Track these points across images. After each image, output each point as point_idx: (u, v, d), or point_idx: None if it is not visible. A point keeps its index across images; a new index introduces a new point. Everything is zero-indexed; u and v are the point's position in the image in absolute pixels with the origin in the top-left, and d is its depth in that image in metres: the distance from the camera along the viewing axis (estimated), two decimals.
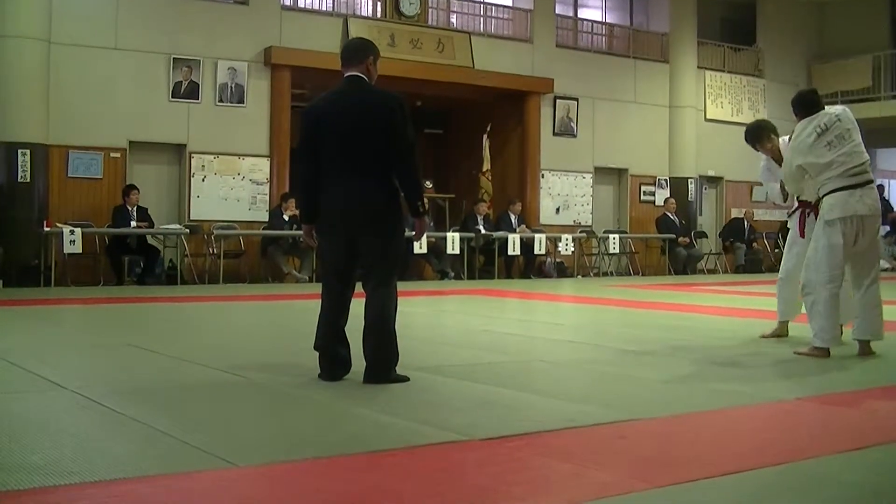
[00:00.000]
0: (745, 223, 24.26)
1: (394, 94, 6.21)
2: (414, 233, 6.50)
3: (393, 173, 6.04)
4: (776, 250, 24.99)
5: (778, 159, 8.57)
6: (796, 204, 8.63)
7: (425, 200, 6.33)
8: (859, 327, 7.69)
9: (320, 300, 6.23)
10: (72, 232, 15.29)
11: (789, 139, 8.06)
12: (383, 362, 6.02)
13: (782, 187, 8.43)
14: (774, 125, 9.02)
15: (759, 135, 8.81)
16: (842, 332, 7.73)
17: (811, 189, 8.06)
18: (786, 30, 26.79)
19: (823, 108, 7.72)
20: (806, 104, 7.81)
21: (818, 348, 7.56)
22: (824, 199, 7.55)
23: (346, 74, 6.25)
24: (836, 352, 7.62)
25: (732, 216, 24.92)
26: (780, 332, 8.93)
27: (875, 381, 6.68)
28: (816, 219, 8.07)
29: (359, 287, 6.19)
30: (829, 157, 7.45)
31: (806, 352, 7.64)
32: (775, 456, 4.33)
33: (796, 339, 8.56)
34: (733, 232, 24.23)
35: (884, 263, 24.51)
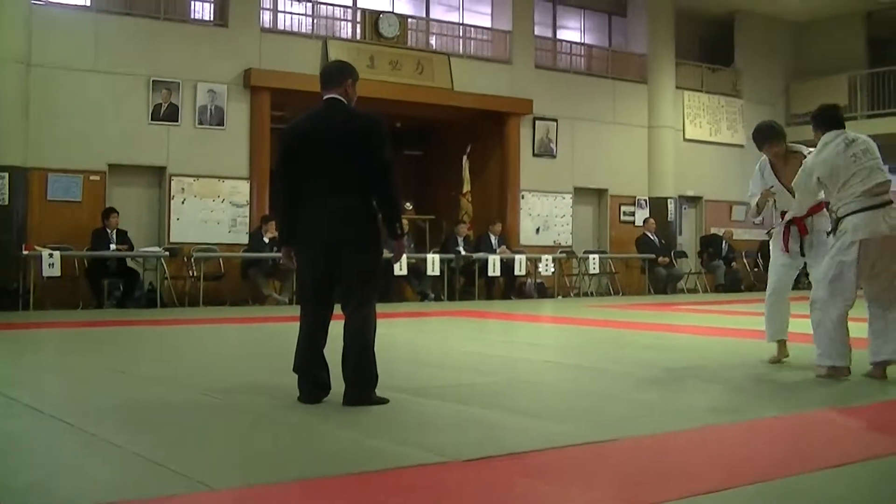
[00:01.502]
0: (724, 242, 24.30)
1: (372, 116, 6.22)
2: (393, 255, 6.50)
3: (371, 195, 6.04)
4: (755, 269, 25.09)
5: (779, 165, 8.47)
6: (777, 222, 8.63)
7: (403, 222, 6.34)
8: (880, 348, 7.51)
9: (299, 322, 6.22)
10: (51, 255, 15.22)
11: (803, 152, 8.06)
12: (363, 384, 6.00)
13: (759, 203, 8.40)
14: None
15: (770, 134, 8.57)
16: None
17: (803, 204, 8.08)
18: (763, 50, 26.91)
19: (844, 127, 7.73)
20: (831, 118, 7.74)
21: (835, 368, 7.44)
22: (846, 218, 7.44)
23: (325, 97, 6.26)
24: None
25: (710, 233, 24.95)
26: (783, 354, 8.61)
27: (856, 399, 6.69)
28: (804, 234, 8.11)
29: (338, 309, 6.18)
30: (854, 170, 7.38)
31: (825, 374, 7.48)
32: (757, 473, 4.35)
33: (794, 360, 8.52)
34: (711, 248, 24.24)
35: None
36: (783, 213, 8.54)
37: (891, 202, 7.49)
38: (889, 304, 7.50)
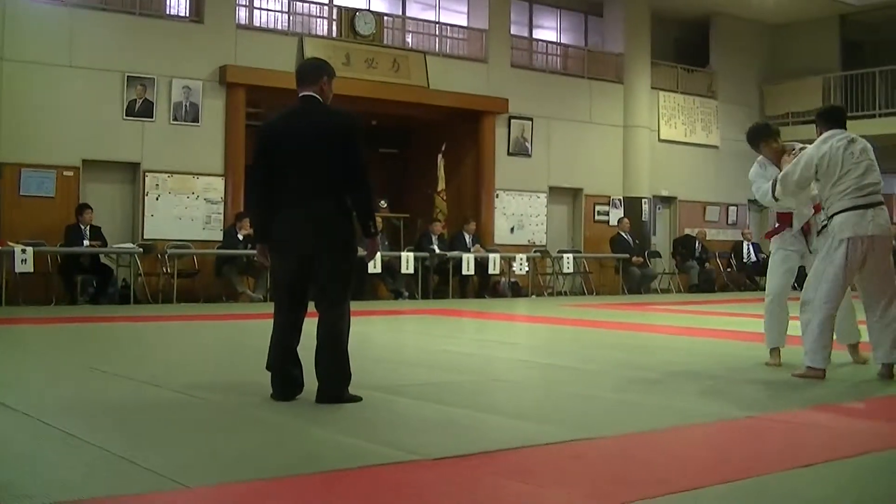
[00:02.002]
0: (698, 242, 24.38)
1: (348, 115, 6.23)
2: (367, 253, 6.50)
3: (346, 193, 6.05)
4: (728, 270, 25.20)
5: (778, 163, 8.44)
6: (777, 224, 8.61)
7: (377, 220, 6.34)
8: (876, 351, 7.58)
9: (273, 320, 6.22)
10: (24, 251, 15.14)
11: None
12: (336, 382, 6.01)
13: (773, 186, 8.33)
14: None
15: (764, 133, 8.63)
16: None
17: (804, 200, 8.09)
18: (738, 51, 26.99)
19: (846, 128, 7.75)
20: (836, 117, 7.81)
21: (812, 368, 7.48)
22: (834, 218, 7.48)
23: (300, 94, 6.26)
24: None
25: (683, 234, 25.03)
26: (777, 362, 8.48)
27: (830, 399, 6.72)
28: (808, 233, 8.13)
29: (311, 307, 6.17)
30: (849, 166, 7.41)
31: (801, 374, 7.55)
32: (732, 472, 4.37)
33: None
34: (684, 248, 24.33)
35: None
36: (780, 215, 8.52)
37: (880, 203, 7.52)
38: (881, 308, 7.53)
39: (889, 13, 26.08)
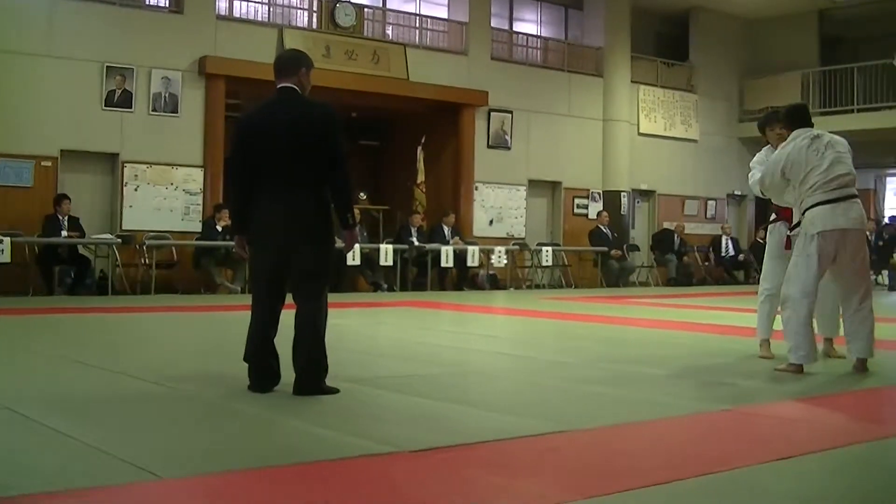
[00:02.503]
0: (676, 236, 24.46)
1: (326, 106, 6.23)
2: (345, 244, 6.50)
3: (325, 185, 6.05)
4: (706, 263, 25.29)
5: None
6: (773, 217, 8.64)
7: (355, 212, 6.35)
8: (851, 346, 7.66)
9: (251, 312, 6.22)
10: (1, 241, 15.09)
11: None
12: (313, 374, 6.01)
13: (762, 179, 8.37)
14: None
15: (770, 119, 8.62)
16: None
17: (789, 195, 8.11)
18: (718, 46, 27.06)
19: (813, 125, 7.78)
20: (799, 116, 7.85)
21: (794, 365, 7.52)
22: (806, 213, 7.52)
23: (278, 86, 6.26)
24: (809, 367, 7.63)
25: (662, 228, 25.11)
26: (768, 354, 8.51)
27: (810, 392, 6.75)
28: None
29: (289, 298, 6.17)
30: (814, 163, 7.44)
31: (783, 368, 7.58)
32: (706, 466, 4.39)
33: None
34: (662, 242, 24.42)
35: None
36: (778, 208, 8.54)
37: (853, 196, 7.54)
38: (856, 302, 7.58)
39: (867, 9, 26.22)
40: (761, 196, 8.61)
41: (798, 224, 7.73)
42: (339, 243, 6.46)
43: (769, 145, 8.53)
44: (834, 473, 4.43)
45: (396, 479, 4.07)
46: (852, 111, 24.77)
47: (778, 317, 8.31)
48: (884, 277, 22.30)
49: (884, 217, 26.31)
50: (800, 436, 5.31)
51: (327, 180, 6.04)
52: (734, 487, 4.06)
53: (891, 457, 4.82)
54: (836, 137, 7.71)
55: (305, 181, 6.03)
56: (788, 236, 8.27)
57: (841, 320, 8.11)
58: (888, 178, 29.75)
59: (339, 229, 6.23)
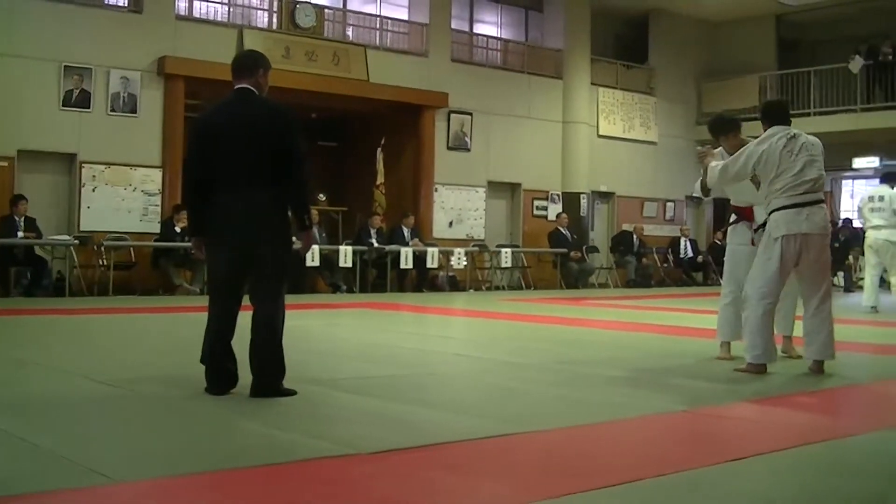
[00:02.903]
0: (635, 238, 24.56)
1: (283, 107, 6.23)
2: (301, 246, 6.49)
3: (282, 186, 6.04)
4: (665, 265, 25.40)
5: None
6: (734, 217, 8.69)
7: (313, 213, 6.35)
8: (809, 347, 7.72)
9: (207, 313, 6.20)
10: None
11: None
12: (270, 375, 6.00)
13: (701, 184, 8.40)
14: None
15: (727, 127, 8.59)
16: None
17: (748, 194, 8.15)
18: (677, 49, 27.19)
19: (791, 123, 7.82)
20: (778, 113, 7.90)
21: (753, 364, 7.58)
22: (772, 215, 7.59)
23: (236, 86, 6.25)
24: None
25: (621, 230, 25.20)
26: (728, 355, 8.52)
27: (768, 392, 6.80)
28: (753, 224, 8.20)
29: (246, 300, 6.16)
30: (787, 164, 7.49)
31: (743, 369, 7.65)
32: (663, 467, 4.41)
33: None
34: (622, 243, 24.52)
35: None
36: (738, 209, 8.59)
37: (819, 201, 7.60)
38: (814, 305, 7.65)
39: (823, 13, 26.45)
40: (700, 196, 8.68)
41: (763, 224, 7.79)
42: (297, 244, 6.46)
43: (720, 149, 8.55)
44: (787, 474, 4.46)
45: (354, 481, 4.07)
46: (809, 114, 24.90)
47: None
48: (839, 279, 22.51)
49: (839, 219, 26.48)
50: (755, 436, 5.35)
51: (284, 181, 6.03)
52: (690, 488, 4.09)
53: (843, 457, 4.86)
54: (812, 139, 7.77)
55: (262, 182, 6.02)
56: (753, 237, 8.34)
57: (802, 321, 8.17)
58: (843, 182, 29.95)
59: (296, 230, 6.23)
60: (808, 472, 4.50)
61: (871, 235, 14.84)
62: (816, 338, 7.64)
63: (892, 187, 14.83)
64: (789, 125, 7.78)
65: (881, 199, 14.62)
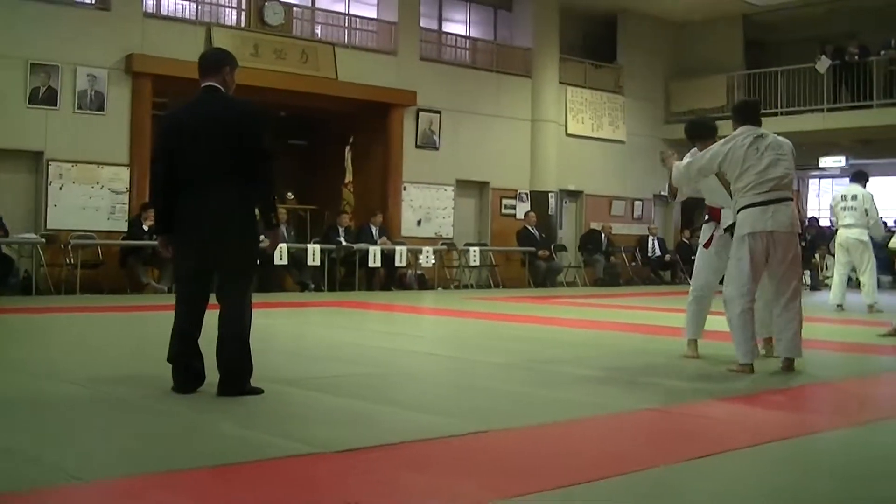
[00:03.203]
0: (603, 236, 24.62)
1: (251, 105, 6.23)
2: (268, 244, 6.49)
3: (248, 185, 6.03)
4: (633, 264, 25.49)
5: None
6: (706, 218, 8.73)
7: (281, 212, 6.35)
8: (778, 345, 7.80)
9: (174, 312, 6.19)
10: None
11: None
12: (237, 374, 6.00)
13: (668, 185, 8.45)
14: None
15: (704, 132, 8.59)
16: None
17: (720, 196, 8.20)
18: (645, 48, 27.27)
19: (761, 123, 7.86)
20: (747, 113, 7.93)
21: (742, 365, 7.62)
22: (738, 214, 7.65)
23: (202, 85, 6.25)
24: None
25: (590, 228, 25.25)
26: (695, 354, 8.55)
27: (734, 391, 6.85)
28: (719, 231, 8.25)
29: (213, 299, 6.15)
30: (751, 162, 7.54)
31: (734, 369, 7.66)
32: (629, 464, 4.45)
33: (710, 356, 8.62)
34: (590, 242, 24.57)
35: None
36: (710, 209, 8.63)
37: (786, 199, 7.64)
38: (783, 303, 7.69)
39: (790, 13, 26.59)
40: (666, 196, 8.70)
41: (734, 224, 7.84)
42: (264, 242, 6.46)
43: (694, 150, 8.56)
44: (752, 471, 4.49)
45: (318, 481, 4.08)
46: (776, 114, 24.99)
47: (709, 317, 8.47)
48: (806, 277, 22.64)
49: (805, 218, 26.63)
50: (721, 434, 5.38)
51: (251, 180, 6.03)
52: (656, 485, 4.12)
53: (807, 454, 4.90)
54: (781, 139, 7.83)
55: (228, 180, 6.01)
56: (712, 235, 8.40)
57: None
58: (810, 181, 30.12)
59: (263, 229, 6.23)
60: (773, 469, 4.54)
61: (842, 234, 14.96)
62: (785, 335, 7.70)
63: (864, 186, 14.95)
64: (759, 125, 7.83)
65: (854, 198, 14.72)
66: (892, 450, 5.22)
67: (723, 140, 7.86)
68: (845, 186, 15.60)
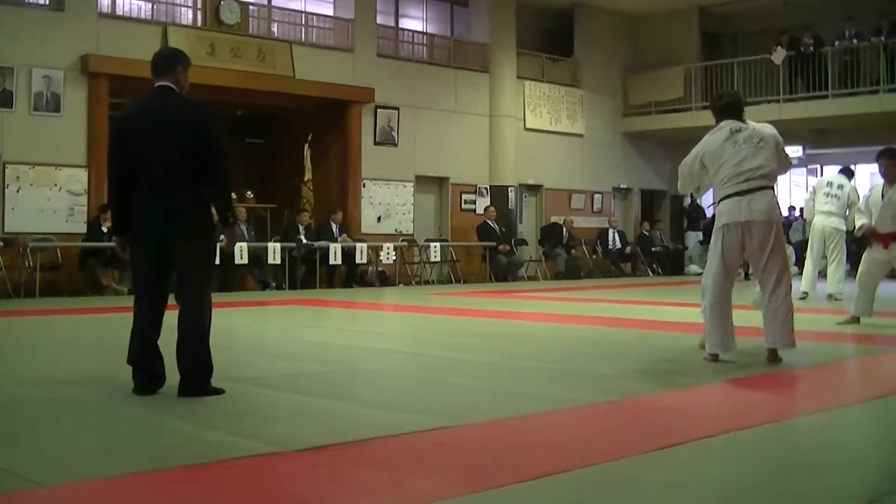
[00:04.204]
0: (564, 230, 24.69)
1: (201, 104, 6.23)
2: (225, 243, 6.49)
3: (202, 184, 6.03)
4: (594, 256, 25.58)
5: None
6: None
7: (241, 210, 6.36)
8: (767, 335, 7.70)
9: (133, 313, 6.17)
10: None
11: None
12: (198, 374, 5.99)
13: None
14: None
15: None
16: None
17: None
18: (602, 42, 27.37)
19: (742, 117, 7.84)
20: (725, 107, 7.93)
21: (710, 354, 7.66)
22: (718, 205, 7.69)
23: (155, 84, 6.24)
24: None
25: (551, 222, 25.31)
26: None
27: (695, 381, 6.90)
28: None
29: (172, 300, 6.14)
30: (728, 155, 7.55)
31: (706, 357, 7.69)
32: (590, 457, 4.47)
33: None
34: (551, 236, 24.63)
35: (696, 269, 25.16)
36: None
37: (762, 188, 7.60)
38: (768, 292, 7.68)
39: (745, 6, 26.83)
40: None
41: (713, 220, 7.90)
42: (224, 241, 6.46)
43: None
44: (709, 462, 4.52)
45: (281, 479, 4.08)
46: None
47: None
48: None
49: None
50: (681, 426, 5.41)
51: (204, 178, 6.02)
52: (615, 478, 4.14)
53: (765, 445, 4.93)
54: (762, 128, 7.80)
55: (182, 179, 6.01)
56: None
57: None
58: None
59: (220, 227, 6.22)
60: (730, 460, 4.58)
61: (819, 221, 14.75)
62: (772, 326, 7.62)
63: (850, 180, 14.97)
64: (739, 118, 7.82)
65: (840, 187, 14.65)
66: (850, 438, 5.27)
67: (704, 138, 7.86)
68: (834, 175, 15.48)
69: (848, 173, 15.16)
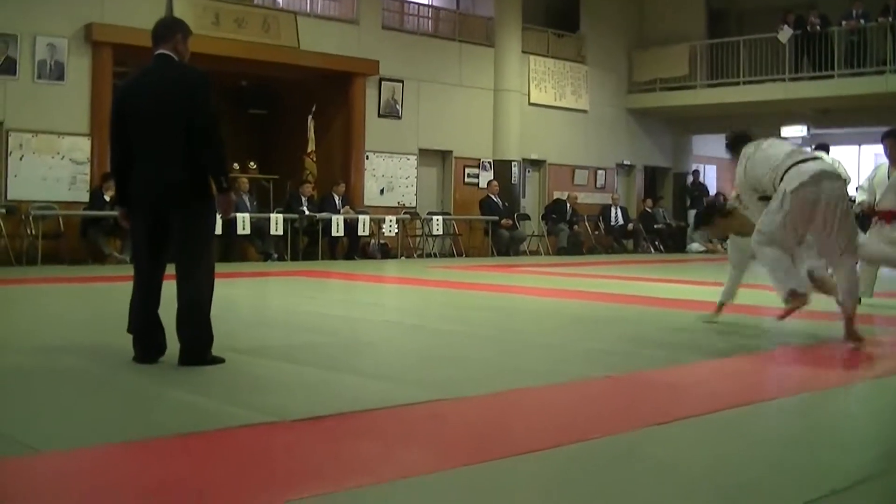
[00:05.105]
0: (568, 206, 24.68)
1: (195, 70, 6.22)
2: (219, 209, 6.48)
3: (197, 150, 6.02)
4: (596, 232, 25.58)
5: None
6: None
7: (243, 180, 6.35)
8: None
9: (133, 282, 6.19)
10: None
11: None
12: (198, 344, 6.00)
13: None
14: None
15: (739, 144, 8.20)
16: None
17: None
18: (608, 17, 27.30)
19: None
20: (740, 139, 7.90)
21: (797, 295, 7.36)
22: (786, 174, 7.28)
23: (155, 53, 6.25)
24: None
25: (555, 198, 25.30)
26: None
27: (695, 357, 6.91)
28: None
29: (173, 269, 6.15)
30: (774, 153, 7.47)
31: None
32: (583, 432, 4.48)
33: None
34: (555, 212, 24.62)
35: (697, 246, 25.19)
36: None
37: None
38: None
39: None
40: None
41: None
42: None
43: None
44: (702, 439, 4.53)
45: (276, 449, 4.10)
46: (738, 83, 25.18)
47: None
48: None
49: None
50: (677, 402, 5.42)
51: (200, 145, 6.01)
52: (612, 453, 4.16)
53: (757, 422, 4.95)
54: (778, 142, 7.86)
55: (176, 146, 6.01)
56: None
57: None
58: None
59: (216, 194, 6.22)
60: (726, 437, 4.58)
61: None
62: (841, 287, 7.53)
63: (827, 154, 14.99)
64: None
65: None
66: (845, 417, 5.30)
67: (750, 165, 7.73)
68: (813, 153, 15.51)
69: (824, 150, 15.17)
